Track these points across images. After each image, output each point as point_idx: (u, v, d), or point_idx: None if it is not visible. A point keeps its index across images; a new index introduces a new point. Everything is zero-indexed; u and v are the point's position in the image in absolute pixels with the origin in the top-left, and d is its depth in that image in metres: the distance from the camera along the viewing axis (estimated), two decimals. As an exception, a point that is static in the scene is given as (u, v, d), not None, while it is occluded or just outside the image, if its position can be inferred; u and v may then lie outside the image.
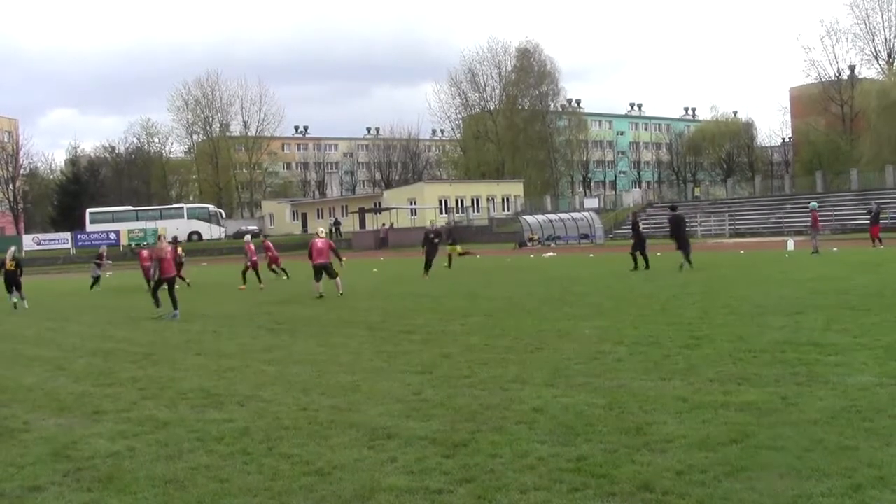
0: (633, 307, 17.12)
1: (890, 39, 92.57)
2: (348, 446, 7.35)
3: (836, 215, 60.44)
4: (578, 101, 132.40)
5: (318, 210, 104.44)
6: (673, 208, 33.34)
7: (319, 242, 24.53)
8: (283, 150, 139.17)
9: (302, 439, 7.69)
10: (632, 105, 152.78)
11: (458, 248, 41.22)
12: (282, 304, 22.51)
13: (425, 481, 6.25)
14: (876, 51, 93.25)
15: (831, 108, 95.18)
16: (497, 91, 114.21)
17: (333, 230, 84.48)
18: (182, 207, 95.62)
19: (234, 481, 6.53)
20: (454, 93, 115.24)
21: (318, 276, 24.27)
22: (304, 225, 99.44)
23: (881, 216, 42.56)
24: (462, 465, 6.59)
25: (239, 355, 13.41)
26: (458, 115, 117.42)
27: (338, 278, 24.38)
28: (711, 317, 14.77)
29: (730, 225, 66.34)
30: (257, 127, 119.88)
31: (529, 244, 65.21)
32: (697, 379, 9.31)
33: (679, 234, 28.99)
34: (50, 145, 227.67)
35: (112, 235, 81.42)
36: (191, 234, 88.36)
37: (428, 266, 31.63)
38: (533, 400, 8.71)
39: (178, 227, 78.70)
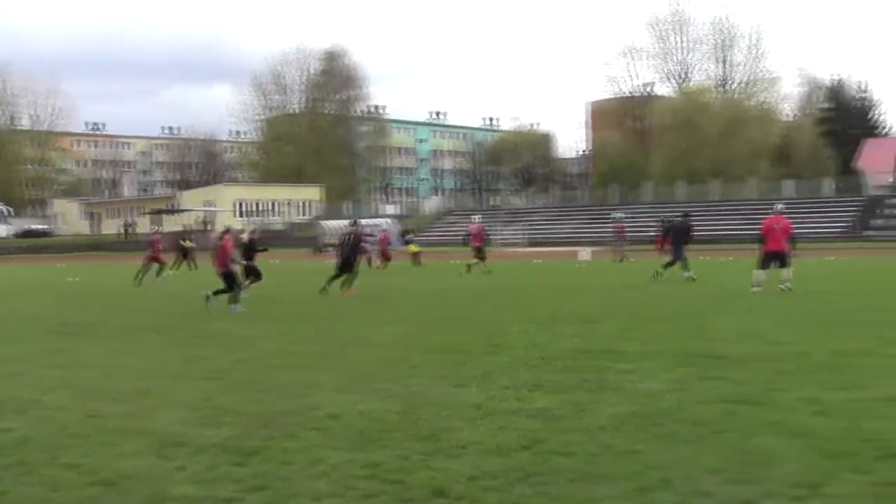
0: (432, 313, 17.24)
1: (683, 60, 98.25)
2: (137, 455, 7.00)
3: (631, 226, 62.94)
4: (384, 108, 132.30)
5: (110, 210, 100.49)
6: (685, 215, 29.69)
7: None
8: (75, 146, 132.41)
9: (88, 448, 7.26)
10: (433, 113, 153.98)
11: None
12: (71, 308, 21.42)
13: (216, 490, 6.04)
14: (670, 70, 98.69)
15: (627, 122, 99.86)
16: (302, 94, 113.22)
17: (125, 231, 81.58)
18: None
19: (10, 494, 6.12)
20: (256, 94, 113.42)
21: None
22: (97, 225, 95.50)
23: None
24: (254, 472, 6.41)
25: (22, 360, 12.55)
26: (260, 117, 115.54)
27: None
28: (508, 324, 15.01)
29: (527, 234, 67.99)
30: (47, 121, 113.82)
31: (327, 250, 64.62)
32: (492, 386, 9.40)
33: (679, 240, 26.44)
34: None
35: None
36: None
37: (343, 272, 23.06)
38: (328, 406, 8.56)
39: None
